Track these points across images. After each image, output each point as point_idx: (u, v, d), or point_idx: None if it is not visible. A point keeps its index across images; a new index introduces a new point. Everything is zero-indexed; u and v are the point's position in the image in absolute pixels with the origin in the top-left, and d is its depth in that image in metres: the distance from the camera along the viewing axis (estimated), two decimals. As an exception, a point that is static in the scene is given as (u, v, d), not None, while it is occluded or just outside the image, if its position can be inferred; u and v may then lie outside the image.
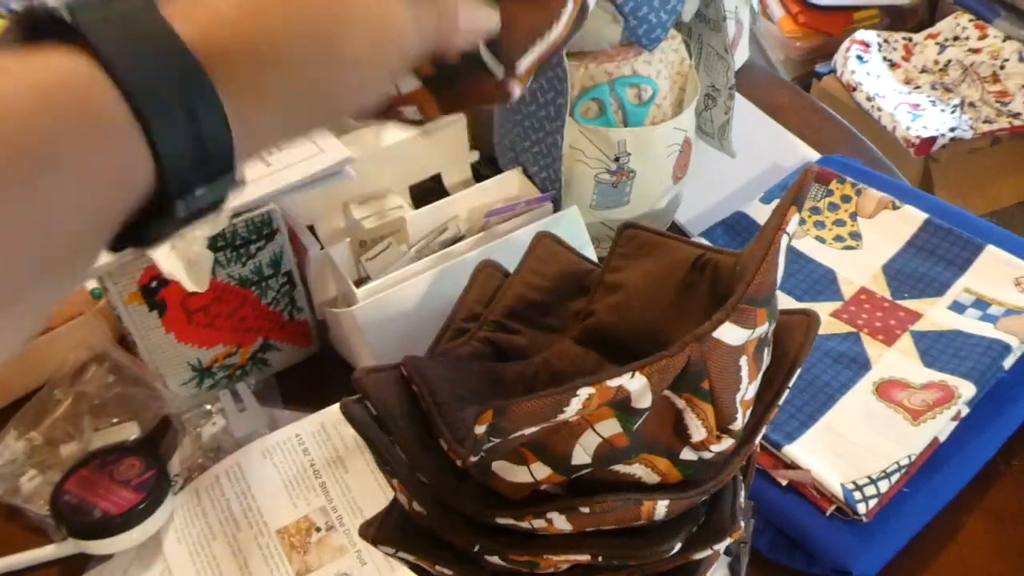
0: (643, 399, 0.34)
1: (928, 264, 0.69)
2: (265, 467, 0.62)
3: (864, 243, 0.71)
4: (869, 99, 1.85)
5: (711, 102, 0.75)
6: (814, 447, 0.56)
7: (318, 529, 0.59)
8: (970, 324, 0.63)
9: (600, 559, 0.37)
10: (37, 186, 0.20)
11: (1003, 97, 1.84)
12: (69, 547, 0.57)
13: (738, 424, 0.36)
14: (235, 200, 0.64)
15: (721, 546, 0.38)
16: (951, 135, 1.74)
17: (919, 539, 0.55)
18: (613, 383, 0.33)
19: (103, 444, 0.62)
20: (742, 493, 0.41)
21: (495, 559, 0.38)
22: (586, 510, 0.35)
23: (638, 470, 0.36)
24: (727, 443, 0.36)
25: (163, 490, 0.58)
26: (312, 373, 0.71)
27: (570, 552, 0.37)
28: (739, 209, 0.74)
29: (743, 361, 0.36)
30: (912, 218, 0.72)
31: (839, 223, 0.73)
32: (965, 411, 0.58)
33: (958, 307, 0.65)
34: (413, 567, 0.43)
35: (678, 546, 0.37)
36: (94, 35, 0.21)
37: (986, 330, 0.62)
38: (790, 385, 0.39)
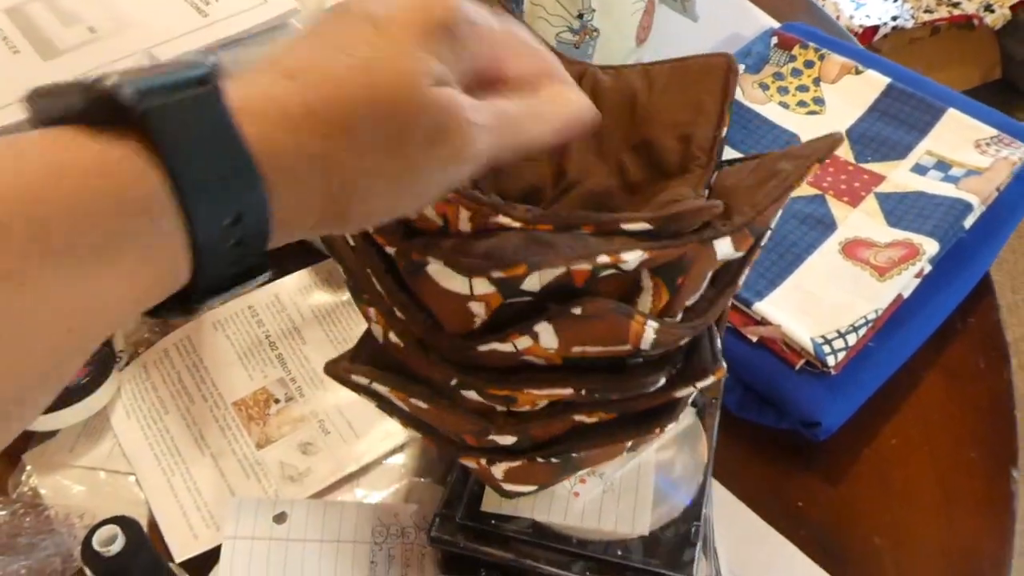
0: (629, 266, 0.34)
1: (891, 128, 0.68)
2: (217, 339, 0.59)
3: (827, 108, 0.70)
4: (814, -13, 1.83)
5: (675, -40, 0.71)
6: (783, 304, 0.55)
7: (276, 400, 0.56)
8: (932, 185, 0.63)
9: (583, 392, 0.36)
10: (87, 273, 0.20)
11: (943, -13, 1.84)
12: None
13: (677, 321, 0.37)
14: (169, 54, 0.59)
15: (705, 383, 0.37)
16: (893, 24, 1.74)
17: (881, 393, 0.56)
18: (626, 256, 0.33)
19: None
20: (718, 340, 0.40)
21: (472, 394, 0.37)
22: (578, 311, 0.33)
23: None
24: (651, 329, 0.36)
25: (107, 364, 0.55)
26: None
27: (552, 387, 0.36)
28: (702, 74, 0.72)
29: (709, 274, 0.37)
30: (875, 82, 0.70)
31: (802, 88, 0.72)
32: (928, 268, 0.58)
33: (920, 169, 0.65)
34: (383, 403, 0.42)
35: (663, 380, 0.36)
36: (158, 127, 0.21)
37: (948, 190, 0.62)
38: None
